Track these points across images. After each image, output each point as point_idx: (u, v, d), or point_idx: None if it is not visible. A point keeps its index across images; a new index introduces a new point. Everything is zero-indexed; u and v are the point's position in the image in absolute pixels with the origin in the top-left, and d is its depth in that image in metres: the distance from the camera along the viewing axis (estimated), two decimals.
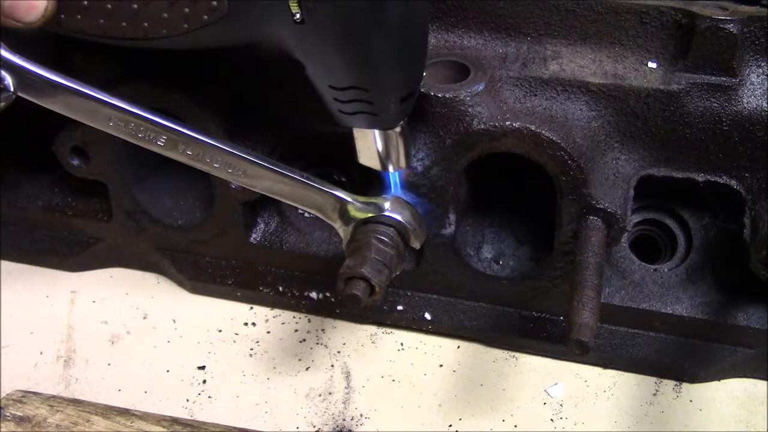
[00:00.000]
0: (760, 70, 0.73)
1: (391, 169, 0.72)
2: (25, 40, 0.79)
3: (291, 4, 0.59)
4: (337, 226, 0.75)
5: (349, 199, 0.74)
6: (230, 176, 0.72)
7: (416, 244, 0.76)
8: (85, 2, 0.64)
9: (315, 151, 0.83)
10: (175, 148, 0.70)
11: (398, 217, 0.74)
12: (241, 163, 0.71)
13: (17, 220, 0.96)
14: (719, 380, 0.81)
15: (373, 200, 0.74)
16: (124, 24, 0.65)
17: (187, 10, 0.63)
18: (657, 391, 0.80)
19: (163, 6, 0.63)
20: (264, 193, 0.74)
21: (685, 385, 0.80)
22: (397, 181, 0.76)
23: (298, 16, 0.60)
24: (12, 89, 0.67)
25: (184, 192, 0.92)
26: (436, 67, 0.77)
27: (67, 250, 0.95)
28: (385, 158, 0.71)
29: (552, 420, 0.77)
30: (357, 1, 0.58)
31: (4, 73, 0.67)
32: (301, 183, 0.73)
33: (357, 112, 0.66)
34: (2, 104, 0.68)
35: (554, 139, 0.71)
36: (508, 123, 0.72)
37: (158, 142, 0.70)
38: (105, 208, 0.93)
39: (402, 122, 0.69)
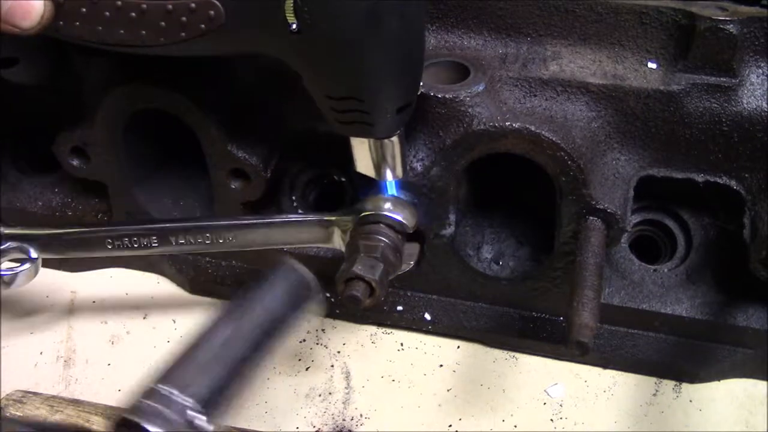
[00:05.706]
0: (760, 70, 0.73)
1: (387, 178, 0.72)
2: (26, 41, 0.79)
3: (287, 14, 0.59)
4: (336, 244, 0.76)
5: (330, 217, 0.75)
6: (224, 246, 0.76)
7: (410, 230, 0.76)
8: (84, 9, 0.65)
9: (314, 152, 0.83)
10: (169, 243, 0.76)
11: (383, 212, 0.74)
12: (226, 232, 0.76)
13: (17, 220, 0.96)
14: (719, 380, 0.81)
15: (354, 207, 0.75)
16: (122, 32, 0.65)
17: (184, 18, 0.63)
18: (657, 391, 0.80)
19: (160, 15, 0.63)
20: (261, 248, 0.77)
21: (685, 386, 0.80)
22: (394, 190, 0.76)
23: (294, 26, 0.60)
24: (37, 256, 0.76)
25: (184, 192, 0.92)
26: (435, 67, 0.77)
27: None
28: (381, 167, 0.71)
29: (552, 420, 0.78)
30: (353, 11, 0.58)
31: (27, 246, 0.76)
32: (286, 224, 0.76)
33: (353, 121, 0.66)
34: (34, 271, 0.76)
35: (554, 139, 0.71)
36: (507, 123, 0.72)
37: (153, 244, 0.76)
38: (105, 208, 0.92)
39: (399, 132, 0.69)
